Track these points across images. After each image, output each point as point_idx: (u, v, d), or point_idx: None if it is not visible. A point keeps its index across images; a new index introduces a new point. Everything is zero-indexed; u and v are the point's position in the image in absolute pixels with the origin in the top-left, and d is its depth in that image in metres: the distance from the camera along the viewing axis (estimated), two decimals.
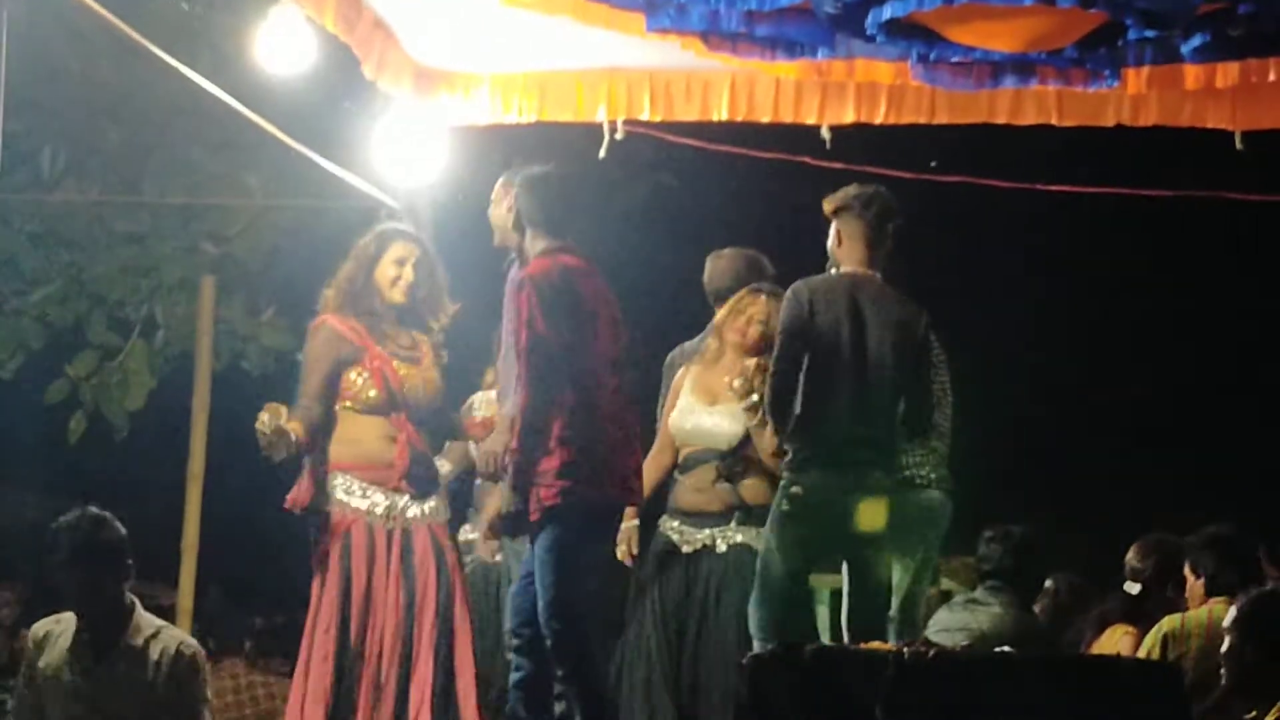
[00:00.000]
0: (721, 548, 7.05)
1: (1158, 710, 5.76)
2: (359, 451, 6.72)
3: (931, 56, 6.40)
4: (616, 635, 7.08)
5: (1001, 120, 7.75)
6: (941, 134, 7.94)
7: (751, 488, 7.09)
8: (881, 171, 8.02)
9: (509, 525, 6.47)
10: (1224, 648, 5.39)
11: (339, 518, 6.66)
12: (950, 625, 7.22)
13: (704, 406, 7.16)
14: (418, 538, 6.71)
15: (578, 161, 7.00)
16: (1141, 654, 6.99)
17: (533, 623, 6.46)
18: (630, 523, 7.11)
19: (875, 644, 6.25)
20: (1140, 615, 7.52)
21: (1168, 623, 7.01)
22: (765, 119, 7.90)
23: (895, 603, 7.21)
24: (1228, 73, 7.15)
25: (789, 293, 6.72)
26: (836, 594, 6.96)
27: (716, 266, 7.51)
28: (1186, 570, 7.23)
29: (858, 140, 7.96)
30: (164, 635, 6.35)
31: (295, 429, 6.57)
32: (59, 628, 6.38)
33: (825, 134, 7.84)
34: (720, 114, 7.91)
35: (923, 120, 7.80)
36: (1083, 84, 6.79)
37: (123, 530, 6.30)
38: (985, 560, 7.42)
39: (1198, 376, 13.36)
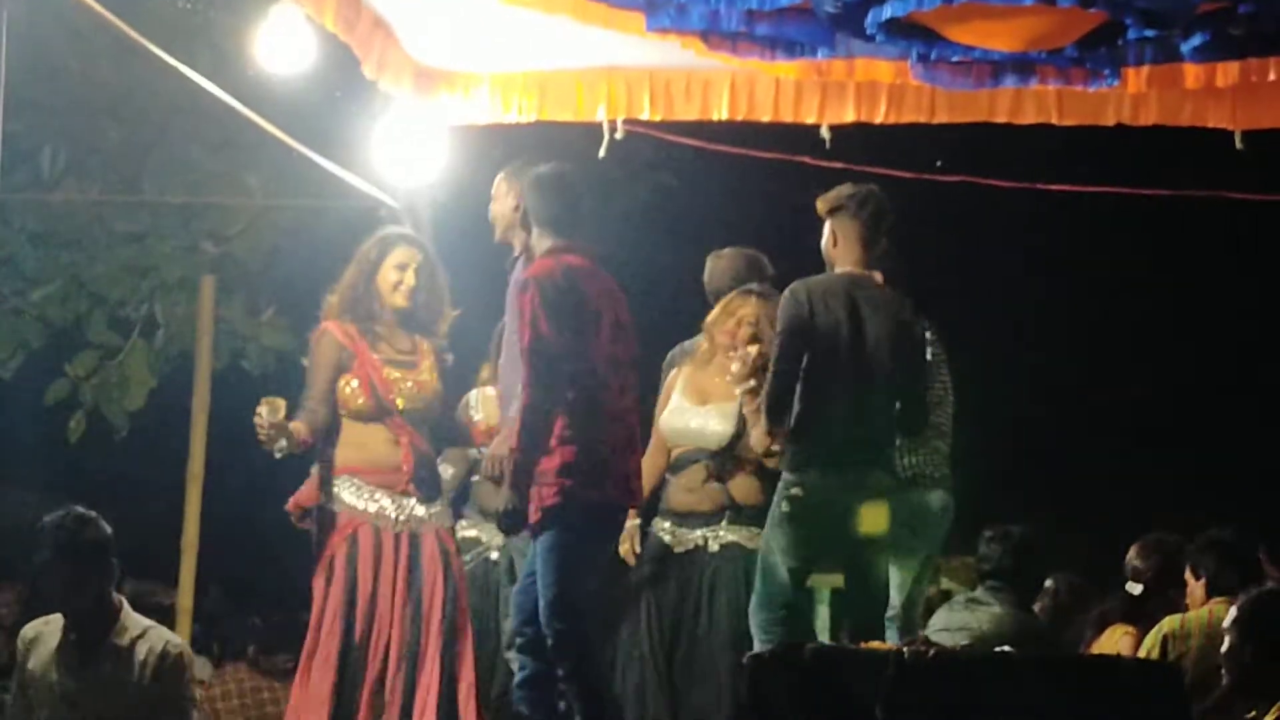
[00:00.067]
0: (713, 547, 7.06)
1: (1158, 710, 5.76)
2: (366, 455, 6.74)
3: (931, 56, 6.40)
4: (613, 636, 7.08)
5: (1001, 120, 7.75)
6: (941, 133, 7.93)
7: (742, 487, 7.10)
8: (881, 171, 8.02)
9: (507, 523, 6.47)
10: (1224, 648, 5.39)
11: (345, 519, 6.68)
12: (950, 625, 7.21)
13: (694, 406, 7.17)
14: (425, 541, 6.73)
15: (577, 161, 6.99)
16: (1141, 654, 7.00)
17: (535, 622, 6.47)
18: (633, 522, 7.12)
19: (875, 644, 6.25)
20: (1140, 615, 7.52)
21: (1168, 623, 7.02)
22: (765, 118, 7.90)
23: (898, 602, 7.21)
24: (1228, 72, 7.14)
25: (788, 293, 6.71)
26: (837, 594, 6.97)
27: (717, 266, 7.52)
28: (1187, 573, 7.24)
29: (858, 140, 7.96)
30: (150, 635, 6.33)
31: (299, 429, 6.61)
32: (48, 629, 6.38)
33: (825, 133, 7.84)
34: (720, 113, 7.91)
35: (923, 120, 7.80)
36: (1083, 83, 6.78)
37: (108, 530, 6.28)
38: (985, 560, 7.42)
39: (1198, 376, 13.35)
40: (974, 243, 12.44)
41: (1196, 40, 6.26)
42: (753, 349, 6.94)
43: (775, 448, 6.74)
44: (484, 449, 7.51)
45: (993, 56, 6.41)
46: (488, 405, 7.50)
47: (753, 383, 6.87)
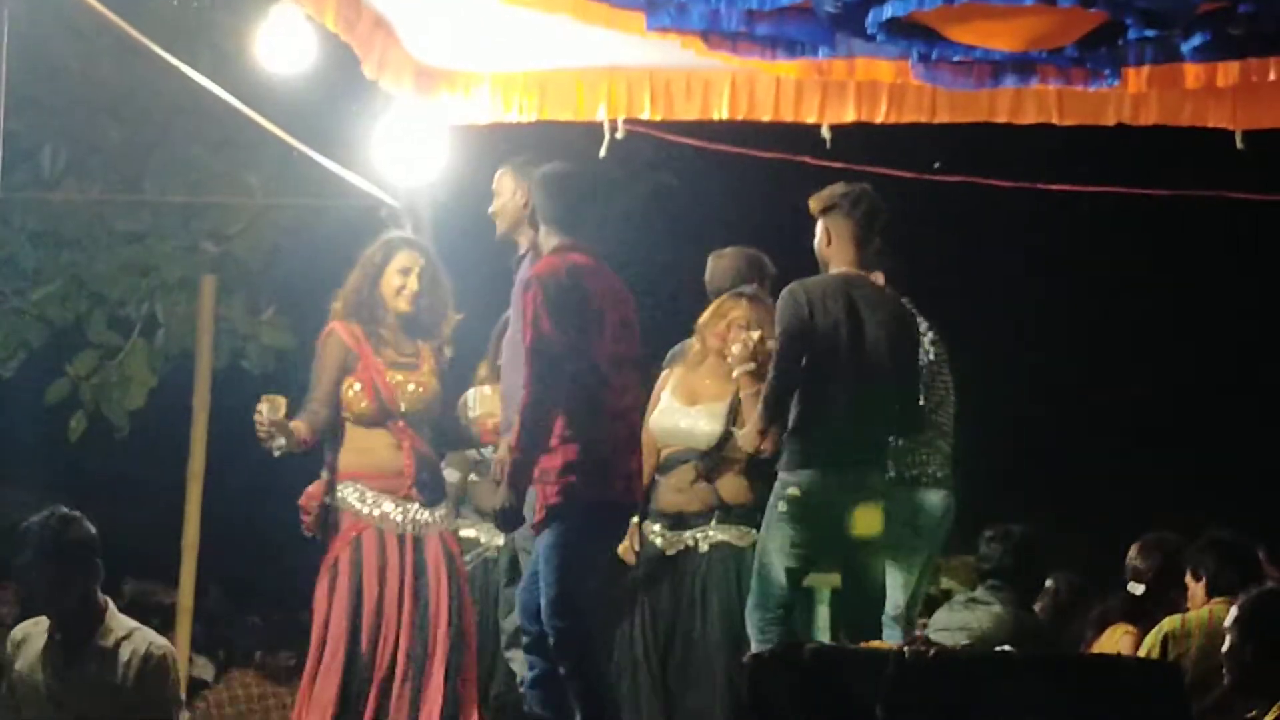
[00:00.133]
0: (704, 548, 7.06)
1: (1158, 710, 5.76)
2: (369, 461, 6.75)
3: (932, 56, 6.40)
4: (609, 638, 7.08)
5: (1002, 119, 7.75)
6: (942, 133, 7.93)
7: (730, 486, 7.10)
8: (882, 171, 8.02)
9: (503, 520, 6.48)
10: (1225, 647, 5.39)
11: (349, 523, 6.70)
12: (950, 624, 7.22)
13: (684, 407, 7.16)
14: (429, 545, 6.74)
15: (577, 161, 6.99)
16: (1142, 654, 6.99)
17: (540, 620, 6.47)
18: (634, 521, 7.12)
19: (875, 643, 6.26)
20: (1141, 615, 7.52)
21: (1168, 623, 7.02)
22: (765, 118, 7.89)
23: (902, 601, 7.21)
24: (1228, 72, 7.14)
25: (786, 294, 6.70)
26: (837, 593, 6.97)
27: (718, 266, 7.51)
28: (1187, 573, 7.24)
29: (858, 139, 7.96)
30: (135, 637, 6.29)
31: (299, 428, 6.62)
32: (37, 630, 6.35)
33: (825, 133, 7.84)
34: (720, 113, 7.91)
35: (923, 119, 7.79)
36: (1083, 83, 6.78)
37: (93, 530, 6.26)
38: (985, 560, 7.43)
39: (1198, 376, 13.36)
40: (974, 243, 12.45)
41: (1196, 40, 6.26)
42: (755, 333, 6.95)
43: (764, 447, 6.75)
44: (485, 450, 7.52)
45: (993, 56, 6.41)
46: (485, 403, 7.50)
47: (752, 365, 6.88)
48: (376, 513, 6.70)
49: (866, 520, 6.60)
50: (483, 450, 7.55)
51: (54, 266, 10.31)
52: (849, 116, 7.83)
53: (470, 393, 7.63)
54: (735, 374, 6.97)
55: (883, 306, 6.73)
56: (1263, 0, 6.05)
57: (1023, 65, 6.52)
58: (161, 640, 6.40)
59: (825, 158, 7.99)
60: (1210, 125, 7.66)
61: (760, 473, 6.92)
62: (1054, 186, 9.11)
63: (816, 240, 6.82)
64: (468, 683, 6.76)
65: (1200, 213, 9.86)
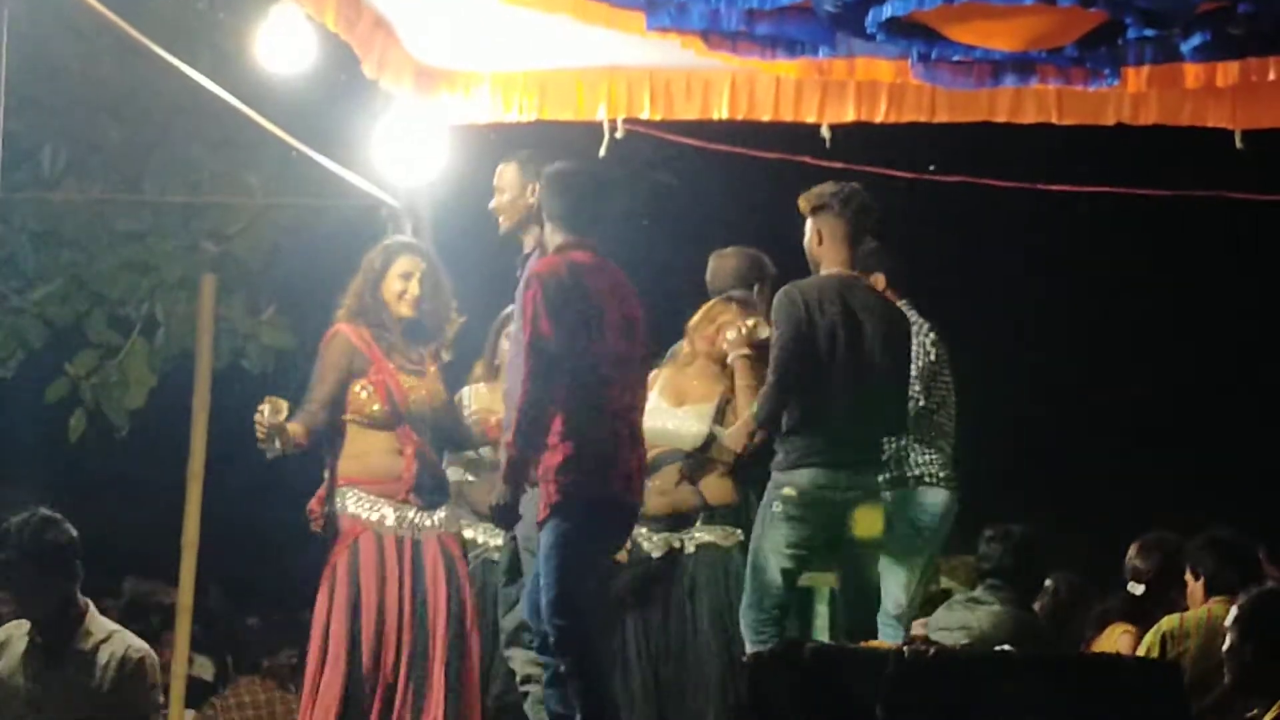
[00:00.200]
0: (690, 549, 7.07)
1: (1158, 709, 5.77)
2: (366, 466, 6.75)
3: (932, 55, 6.41)
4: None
5: (1001, 119, 7.75)
6: (942, 133, 7.93)
7: (714, 487, 7.11)
8: (882, 171, 8.02)
9: (500, 517, 6.47)
10: (1225, 646, 5.39)
11: (348, 527, 6.70)
12: (950, 624, 7.21)
13: (671, 408, 7.17)
14: (427, 548, 6.74)
15: (578, 160, 6.99)
16: (1141, 653, 6.99)
17: None
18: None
19: (875, 643, 6.26)
20: (1140, 614, 7.52)
21: (1167, 622, 7.02)
22: (765, 117, 7.90)
23: (903, 601, 7.22)
24: (1228, 72, 7.15)
25: (783, 296, 6.69)
26: (834, 593, 6.97)
27: (720, 266, 7.51)
28: (1187, 573, 7.24)
29: (858, 139, 7.97)
30: (114, 640, 6.29)
31: (295, 430, 6.61)
32: (18, 632, 6.34)
33: (825, 133, 7.84)
34: (720, 113, 7.91)
35: (923, 119, 7.80)
36: (1083, 83, 6.78)
37: (73, 532, 6.24)
38: (985, 559, 7.42)
39: (1198, 376, 13.36)
40: (974, 243, 12.45)
41: (1196, 40, 6.26)
42: (750, 320, 6.95)
43: (754, 444, 6.75)
44: (482, 451, 7.51)
45: (993, 56, 6.41)
46: (480, 399, 7.51)
47: (748, 350, 6.88)
48: (375, 517, 6.71)
49: (863, 520, 6.61)
50: (480, 451, 7.54)
51: (54, 266, 10.31)
52: (849, 116, 7.83)
53: (465, 390, 7.64)
54: (730, 358, 6.98)
55: (877, 307, 6.74)
56: (1263, 0, 6.06)
57: (1022, 65, 6.53)
58: (140, 643, 6.38)
59: (825, 158, 8.00)
60: (1210, 125, 7.66)
61: (744, 474, 6.93)
62: (1054, 186, 9.11)
63: (806, 240, 6.82)
64: (470, 686, 6.76)
65: (1200, 213, 9.86)
